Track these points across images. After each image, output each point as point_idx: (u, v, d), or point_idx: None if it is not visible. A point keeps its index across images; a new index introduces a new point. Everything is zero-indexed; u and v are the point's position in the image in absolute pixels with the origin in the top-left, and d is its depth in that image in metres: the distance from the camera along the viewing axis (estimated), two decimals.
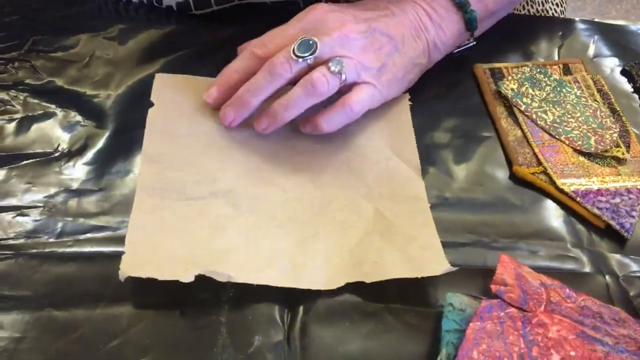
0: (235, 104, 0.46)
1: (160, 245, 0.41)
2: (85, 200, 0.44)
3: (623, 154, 0.49)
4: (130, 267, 0.38)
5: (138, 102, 0.49)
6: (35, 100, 0.49)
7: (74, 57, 0.52)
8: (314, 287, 0.40)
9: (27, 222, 0.42)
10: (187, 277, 0.38)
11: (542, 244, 0.44)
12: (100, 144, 0.47)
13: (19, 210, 0.43)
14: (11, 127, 0.47)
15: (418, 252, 0.42)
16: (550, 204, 0.47)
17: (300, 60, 0.45)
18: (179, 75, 0.51)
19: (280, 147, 0.48)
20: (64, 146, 0.46)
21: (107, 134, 0.47)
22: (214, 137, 0.47)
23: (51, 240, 0.41)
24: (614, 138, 0.49)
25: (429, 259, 0.42)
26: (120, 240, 0.41)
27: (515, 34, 0.59)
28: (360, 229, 0.43)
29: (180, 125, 0.47)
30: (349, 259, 0.42)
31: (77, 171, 0.45)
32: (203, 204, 0.43)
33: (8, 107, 0.48)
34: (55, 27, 0.54)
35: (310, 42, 0.45)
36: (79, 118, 0.48)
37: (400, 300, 0.41)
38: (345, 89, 0.47)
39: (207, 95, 0.47)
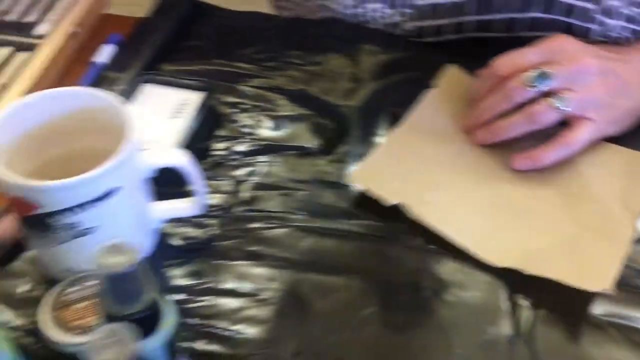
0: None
1: (388, 173, 0.51)
2: (335, 192, 0.52)
3: None
4: (358, 178, 0.51)
5: (376, 111, 0.57)
6: (292, 104, 0.58)
7: (321, 72, 0.61)
8: (484, 256, 0.46)
9: (291, 200, 0.51)
10: (388, 202, 0.48)
11: None
12: (346, 144, 0.55)
13: (284, 190, 0.52)
14: (270, 122, 0.57)
15: (592, 262, 0.46)
16: None
17: (534, 89, 0.50)
18: (463, 74, 0.58)
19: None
20: (315, 143, 0.55)
21: (351, 137, 0.56)
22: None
23: (309, 218, 0.50)
24: None
25: (595, 271, 0.45)
26: (363, 226, 0.49)
27: None
28: (556, 226, 0.49)
29: (440, 122, 0.55)
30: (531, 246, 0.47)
31: (327, 165, 0.54)
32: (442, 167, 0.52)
33: (269, 105, 0.58)
34: (306, 44, 0.64)
35: (547, 73, 0.50)
36: (327, 122, 0.57)
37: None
38: (566, 120, 0.52)
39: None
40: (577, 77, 0.51)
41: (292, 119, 0.57)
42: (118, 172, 0.39)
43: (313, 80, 0.60)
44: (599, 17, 0.60)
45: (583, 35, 0.61)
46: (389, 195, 0.49)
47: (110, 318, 0.32)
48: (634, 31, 0.60)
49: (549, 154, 0.51)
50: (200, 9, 0.67)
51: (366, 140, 0.55)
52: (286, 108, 0.58)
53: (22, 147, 0.42)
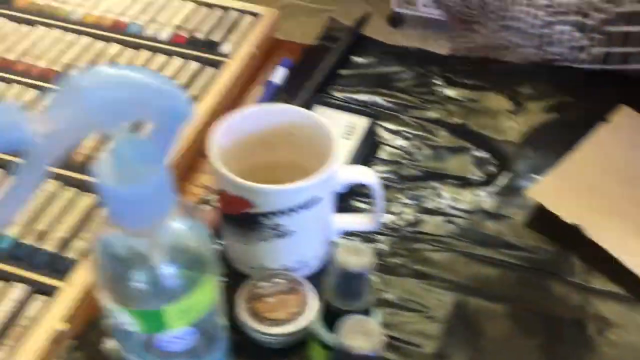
0: None
1: (564, 193, 0.53)
2: (496, 223, 0.54)
3: None
4: (537, 193, 0.53)
5: (534, 147, 0.60)
6: (451, 135, 0.62)
7: (479, 108, 0.65)
8: None
9: (454, 227, 0.54)
10: (569, 220, 0.50)
11: None
12: (506, 178, 0.58)
13: (447, 216, 0.55)
14: (429, 152, 0.60)
15: None
16: None
17: None
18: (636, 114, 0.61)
19: None
20: (475, 175, 0.58)
21: (511, 171, 0.58)
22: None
23: (473, 245, 0.53)
24: None
25: None
26: (525, 259, 0.51)
27: None
28: None
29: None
30: None
31: (488, 197, 0.56)
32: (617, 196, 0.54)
33: (430, 135, 0.62)
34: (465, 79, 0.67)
35: None
36: (486, 155, 0.60)
37: None
38: None
39: None
40: None
41: (452, 150, 0.61)
42: (323, 184, 0.44)
43: (471, 115, 0.64)
44: None
45: None
46: (565, 214, 0.52)
47: (330, 310, 0.35)
48: None
49: None
50: (360, 40, 0.72)
51: (525, 175, 0.58)
52: (446, 139, 0.61)
53: (235, 150, 0.47)
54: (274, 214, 0.43)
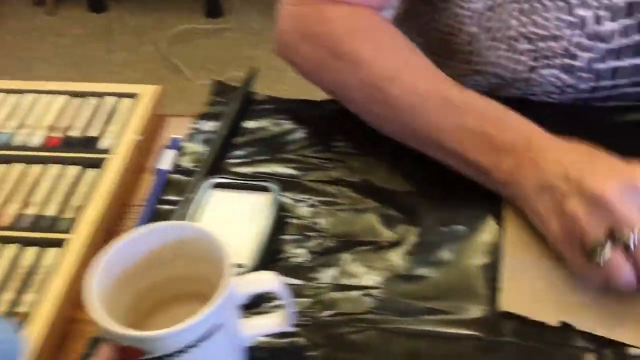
0: None
1: (532, 287, 0.50)
2: (414, 286, 0.52)
3: None
4: (507, 303, 0.49)
5: (444, 199, 0.58)
6: (357, 195, 0.60)
7: (381, 158, 0.63)
8: None
9: (372, 300, 0.52)
10: (553, 322, 0.48)
11: None
12: (415, 236, 0.56)
13: (363, 290, 0.53)
14: (336, 218, 0.58)
15: None
16: None
17: None
18: None
19: None
20: (384, 237, 0.56)
21: (420, 228, 0.57)
22: None
23: (395, 317, 0.51)
24: None
25: None
26: (455, 323, 0.49)
27: None
28: None
29: None
30: None
31: (400, 259, 0.54)
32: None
33: (334, 200, 0.59)
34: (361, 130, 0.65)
35: None
36: (393, 212, 0.58)
37: None
38: None
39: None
40: None
41: (359, 211, 0.58)
42: (220, 310, 0.41)
43: (375, 168, 0.62)
44: None
45: None
46: (549, 316, 0.48)
47: None
48: None
49: None
50: (251, 100, 0.69)
51: (435, 229, 0.56)
52: (351, 200, 0.59)
53: (118, 283, 0.43)
54: (169, 355, 0.40)
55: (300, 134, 0.65)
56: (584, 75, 0.62)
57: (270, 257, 0.55)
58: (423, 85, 0.57)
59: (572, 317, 0.48)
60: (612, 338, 0.47)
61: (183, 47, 2.15)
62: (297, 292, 0.52)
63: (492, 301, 0.51)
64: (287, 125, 0.67)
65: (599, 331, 0.48)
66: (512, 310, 0.49)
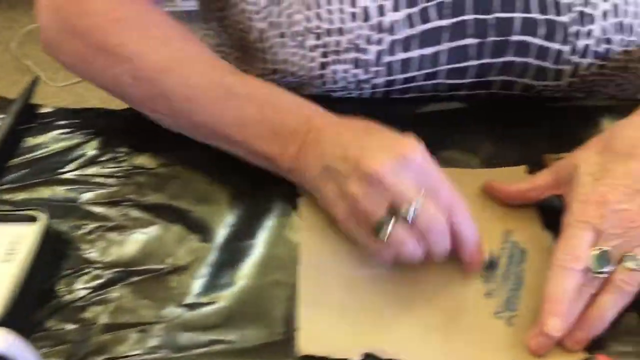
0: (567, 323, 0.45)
1: (329, 325, 0.46)
2: (198, 314, 0.47)
3: None
4: (306, 346, 0.45)
5: (244, 211, 0.53)
6: (147, 216, 0.53)
7: (174, 173, 0.57)
8: None
9: (148, 337, 0.46)
10: (356, 356, 0.44)
11: (632, 341, 0.46)
12: (207, 257, 0.51)
13: (140, 326, 0.47)
14: (120, 247, 0.51)
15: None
16: (636, 298, 0.49)
17: (602, 274, 0.45)
18: None
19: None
20: (172, 261, 0.50)
21: (212, 246, 0.51)
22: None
23: (172, 355, 0.45)
24: None
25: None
26: (237, 353, 0.44)
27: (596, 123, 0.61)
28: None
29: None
30: (494, 339, 0.46)
31: (187, 285, 0.49)
32: (362, 283, 0.49)
33: (120, 224, 0.53)
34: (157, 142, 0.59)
35: (604, 254, 0.45)
36: (185, 231, 0.52)
37: None
38: None
39: (553, 329, 0.44)
40: (632, 236, 0.46)
41: (144, 234, 0.52)
42: None
43: (168, 185, 0.55)
44: (573, 58, 0.59)
45: (556, 78, 0.61)
46: (350, 351, 0.45)
47: None
48: (600, 67, 0.60)
49: None
50: (33, 113, 0.61)
51: (230, 246, 0.51)
52: (138, 223, 0.53)
53: None
54: None
55: (85, 150, 0.58)
56: (376, 69, 0.59)
57: (33, 301, 0.48)
58: (200, 76, 0.53)
59: (374, 346, 0.45)
60: None
61: (35, 47, 1.99)
62: (61, 338, 0.46)
63: (284, 323, 0.46)
64: (74, 140, 0.59)
65: (403, 355, 0.45)
66: (311, 353, 0.45)
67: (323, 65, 0.58)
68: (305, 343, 0.45)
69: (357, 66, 0.58)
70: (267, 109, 0.51)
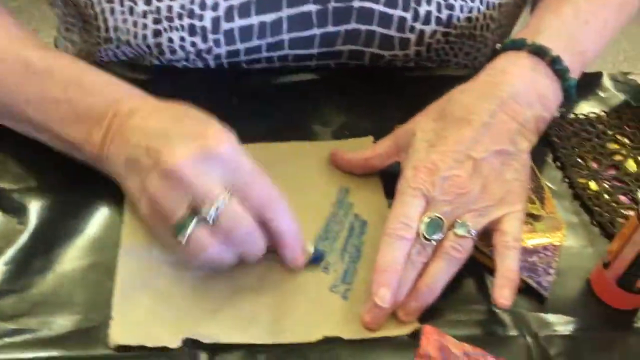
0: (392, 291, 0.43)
1: (146, 312, 0.43)
2: (2, 303, 0.43)
3: (538, 210, 0.51)
4: (119, 336, 0.41)
5: (63, 194, 0.49)
6: None
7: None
8: (294, 341, 0.42)
9: None
10: (175, 343, 0.41)
11: (466, 310, 0.45)
12: (20, 240, 0.46)
13: None
14: None
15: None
16: (470, 266, 0.48)
17: (433, 242, 0.44)
18: None
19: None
20: None
21: (27, 229, 0.47)
22: None
23: None
24: (528, 194, 0.51)
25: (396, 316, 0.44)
26: (41, 343, 0.41)
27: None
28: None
29: None
30: (328, 313, 0.44)
31: None
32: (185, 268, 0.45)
33: None
34: None
35: (435, 221, 0.44)
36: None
37: None
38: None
39: (381, 300, 0.42)
40: (461, 202, 0.45)
41: None
42: None
43: None
44: (416, 25, 0.58)
45: (403, 47, 0.59)
46: (169, 339, 0.41)
47: None
48: (445, 34, 0.59)
49: (506, 268, 0.44)
50: None
51: (46, 229, 0.47)
52: None
53: None
54: None
55: None
56: (214, 37, 0.55)
57: None
58: None
59: (196, 331, 0.42)
60: (243, 342, 0.42)
61: None
62: None
63: (99, 309, 0.43)
64: None
65: (225, 338, 0.42)
66: (125, 343, 0.41)
67: (156, 33, 0.54)
68: (118, 333, 0.42)
69: (193, 34, 0.54)
70: (72, 89, 0.46)
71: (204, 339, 0.42)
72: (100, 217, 0.48)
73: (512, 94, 0.48)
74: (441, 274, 0.44)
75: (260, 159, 0.43)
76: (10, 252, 0.45)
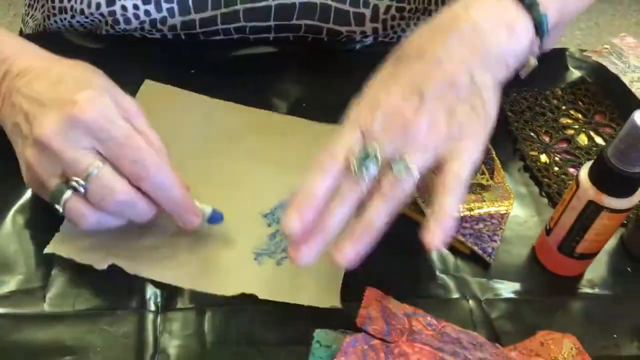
0: (315, 241, 0.40)
1: (85, 236, 0.44)
2: None
3: (487, 180, 0.51)
4: (56, 247, 0.44)
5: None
6: None
7: None
8: (211, 291, 0.44)
9: None
10: (101, 266, 0.43)
11: (409, 273, 0.46)
12: None
13: None
14: None
15: (318, 282, 0.44)
16: (415, 230, 0.48)
17: (366, 177, 0.40)
18: (167, 86, 0.55)
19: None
20: None
21: None
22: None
23: None
24: (479, 165, 0.52)
25: (323, 290, 0.44)
26: None
27: None
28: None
29: None
30: (254, 270, 0.45)
31: None
32: None
33: None
34: None
35: (370, 154, 0.41)
36: None
37: (272, 339, 0.42)
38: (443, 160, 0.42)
39: (287, 225, 0.40)
40: (406, 139, 0.41)
41: None
42: None
43: None
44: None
45: (358, 23, 0.59)
46: (97, 261, 0.43)
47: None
48: (399, 9, 0.59)
49: (446, 206, 0.40)
50: None
51: None
52: None
53: None
54: None
55: None
56: (168, 6, 0.55)
57: None
58: None
59: (124, 261, 0.44)
60: (164, 281, 0.44)
61: None
62: None
63: (34, 271, 0.43)
64: None
65: (151, 275, 0.44)
66: (58, 253, 0.44)
67: (110, 1, 0.54)
68: (56, 244, 0.44)
69: (146, 2, 0.55)
70: None
71: (127, 269, 0.44)
72: None
73: (473, 26, 0.44)
74: (376, 214, 0.40)
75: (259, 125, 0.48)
76: None
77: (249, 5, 0.57)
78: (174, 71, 0.57)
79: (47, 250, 0.44)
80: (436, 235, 0.39)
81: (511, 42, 0.45)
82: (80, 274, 0.43)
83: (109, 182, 0.40)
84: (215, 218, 0.46)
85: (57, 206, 0.40)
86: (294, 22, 0.59)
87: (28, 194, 0.47)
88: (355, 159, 0.41)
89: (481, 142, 0.43)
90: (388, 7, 0.59)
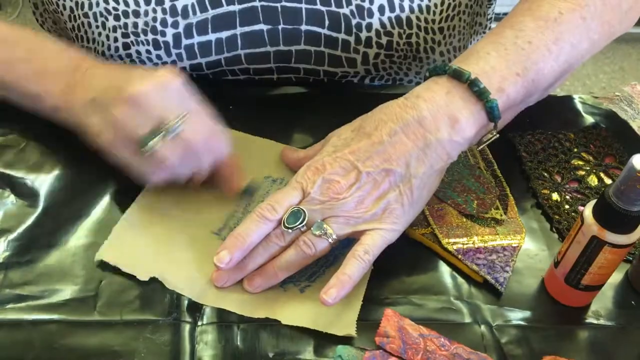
0: (234, 272, 0.49)
1: (134, 246, 0.50)
2: (11, 273, 0.48)
3: (501, 215, 0.55)
4: (104, 254, 0.49)
5: (71, 181, 0.55)
6: None
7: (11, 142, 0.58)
8: (237, 312, 0.48)
9: None
10: (143, 277, 0.48)
11: (427, 298, 0.50)
12: (31, 221, 0.52)
13: None
14: None
15: (337, 311, 0.48)
16: (436, 261, 0.52)
17: (291, 230, 0.48)
18: None
19: None
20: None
21: (36, 211, 0.52)
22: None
23: None
24: (494, 201, 0.56)
25: (341, 319, 0.48)
26: (42, 308, 0.46)
27: None
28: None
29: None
30: (279, 296, 0.49)
31: (5, 245, 0.50)
32: (184, 224, 0.53)
33: None
34: None
35: (299, 212, 0.48)
36: (12, 198, 0.53)
37: (299, 352, 0.45)
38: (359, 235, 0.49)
39: (218, 260, 0.47)
40: (333, 207, 0.48)
41: None
42: None
43: None
44: (359, 48, 0.62)
45: (350, 65, 0.64)
46: (140, 271, 0.49)
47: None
48: (388, 55, 0.64)
49: (346, 274, 0.47)
50: None
51: (54, 211, 0.52)
52: None
53: None
54: None
55: None
56: (177, 51, 0.61)
57: None
58: None
59: (164, 276, 0.49)
60: (200, 302, 0.48)
61: None
62: None
63: (88, 281, 0.48)
64: None
65: (187, 292, 0.49)
66: (106, 260, 0.49)
67: (126, 46, 0.60)
68: (105, 252, 0.49)
69: (157, 48, 0.60)
70: (34, 52, 0.55)
71: (166, 284, 0.48)
72: (102, 203, 0.53)
73: (418, 118, 0.49)
74: (287, 262, 0.48)
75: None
76: (20, 230, 0.51)
77: (248, 51, 0.63)
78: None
79: (97, 257, 0.49)
80: (330, 293, 0.46)
81: (453, 135, 0.49)
82: (127, 285, 0.48)
83: (198, 127, 0.49)
84: (248, 190, 0.55)
85: (144, 149, 0.48)
86: (293, 65, 0.64)
87: (89, 215, 0.52)
88: (286, 214, 0.48)
89: (401, 226, 0.50)
90: (377, 54, 0.64)
